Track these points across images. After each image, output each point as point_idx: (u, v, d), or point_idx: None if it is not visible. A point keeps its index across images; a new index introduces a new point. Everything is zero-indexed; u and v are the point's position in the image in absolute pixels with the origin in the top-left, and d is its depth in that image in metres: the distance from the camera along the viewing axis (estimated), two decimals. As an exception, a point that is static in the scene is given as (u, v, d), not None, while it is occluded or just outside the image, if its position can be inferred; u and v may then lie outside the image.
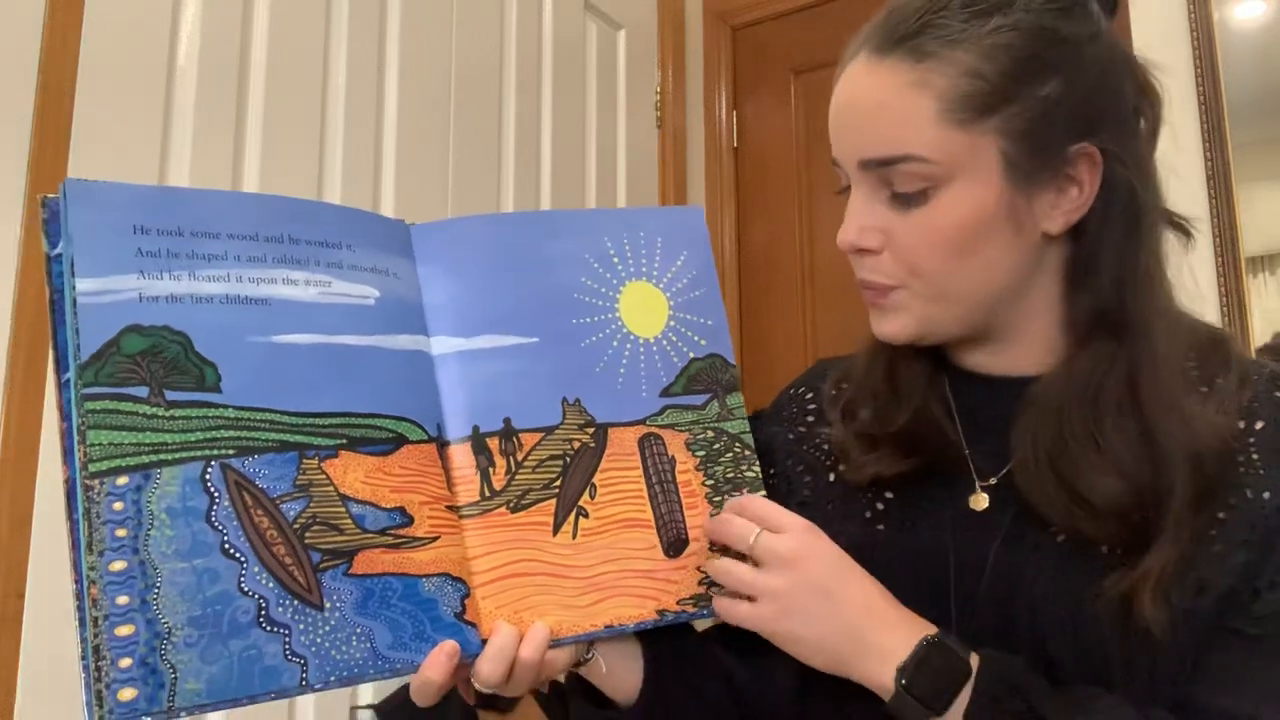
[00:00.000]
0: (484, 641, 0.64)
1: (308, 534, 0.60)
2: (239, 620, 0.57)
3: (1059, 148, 0.66)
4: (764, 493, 0.73)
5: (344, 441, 0.63)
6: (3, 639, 1.11)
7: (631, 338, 0.74)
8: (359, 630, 0.60)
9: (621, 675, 0.72)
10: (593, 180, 2.12)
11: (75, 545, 0.56)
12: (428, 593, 0.63)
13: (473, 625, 0.64)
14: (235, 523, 0.58)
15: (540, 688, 0.69)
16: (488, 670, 0.63)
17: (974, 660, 0.63)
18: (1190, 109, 1.69)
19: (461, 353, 0.69)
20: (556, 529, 0.68)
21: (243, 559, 0.58)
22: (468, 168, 1.79)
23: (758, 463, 0.75)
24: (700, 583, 0.71)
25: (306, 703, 1.40)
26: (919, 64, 0.65)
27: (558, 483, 0.69)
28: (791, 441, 0.82)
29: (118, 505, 0.56)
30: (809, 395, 0.84)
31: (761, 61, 2.36)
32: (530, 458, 0.69)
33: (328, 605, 0.59)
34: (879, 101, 0.66)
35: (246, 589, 0.58)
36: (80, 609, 0.55)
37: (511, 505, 0.68)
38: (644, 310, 0.75)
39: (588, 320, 0.73)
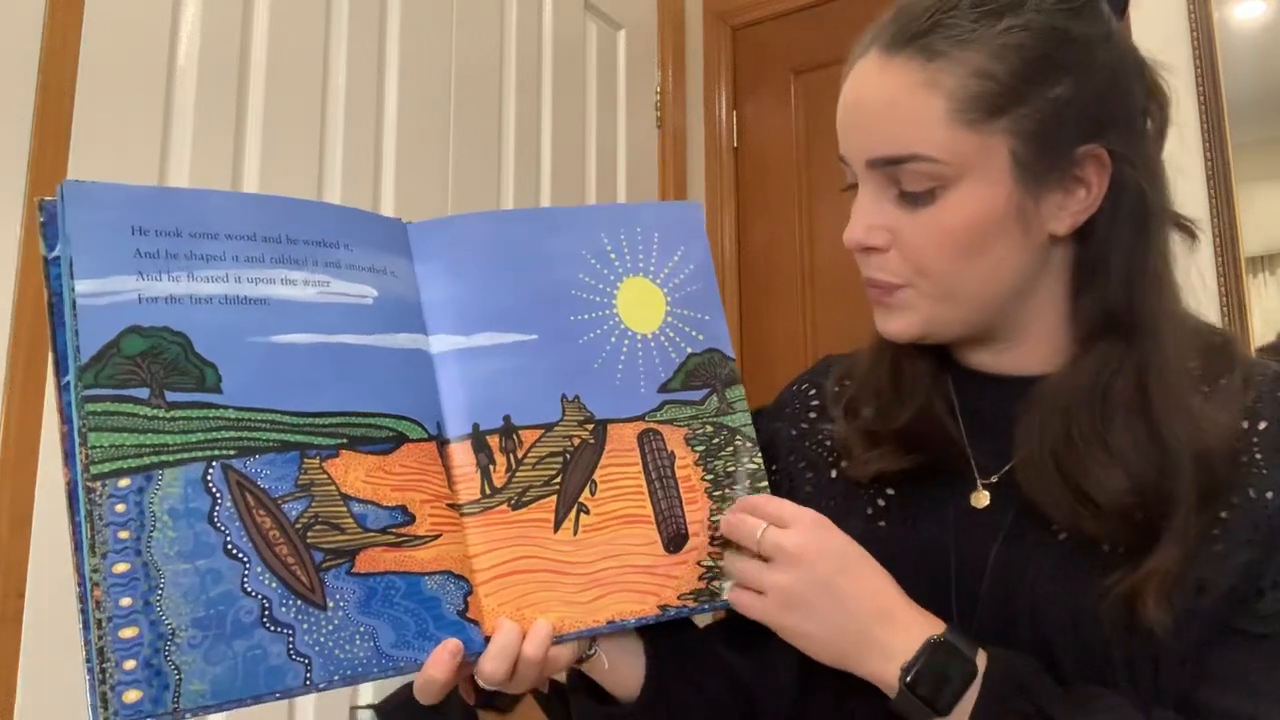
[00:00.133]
0: (487, 639, 0.64)
1: (310, 534, 0.60)
2: (242, 621, 0.57)
3: (1068, 149, 0.66)
4: (766, 483, 0.74)
5: (345, 441, 0.63)
6: (3, 639, 1.11)
7: (629, 334, 0.74)
8: (362, 629, 0.60)
9: (623, 671, 0.72)
10: (593, 180, 2.12)
11: (78, 548, 0.56)
12: (430, 591, 0.63)
13: (475, 623, 0.64)
14: (238, 523, 0.58)
15: (542, 686, 0.69)
16: (491, 668, 0.63)
17: (981, 659, 0.63)
18: (1190, 109, 1.69)
19: (460, 350, 0.69)
20: (557, 526, 0.69)
21: (245, 559, 0.58)
22: (468, 168, 1.79)
23: (760, 454, 0.75)
24: (701, 578, 0.71)
25: (306, 703, 1.40)
26: (929, 63, 0.65)
27: (558, 479, 0.69)
28: (794, 438, 0.82)
29: (120, 507, 0.56)
30: (812, 392, 0.84)
31: (761, 61, 2.36)
32: (530, 455, 0.69)
33: (331, 605, 0.59)
34: (888, 100, 0.66)
35: (250, 589, 0.58)
36: (84, 611, 0.55)
37: (512, 502, 0.68)
38: (641, 306, 0.75)
39: (585, 317, 0.73)
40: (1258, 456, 0.65)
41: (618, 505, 0.70)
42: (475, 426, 0.68)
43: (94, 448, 0.56)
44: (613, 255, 0.75)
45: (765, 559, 0.67)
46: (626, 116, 2.24)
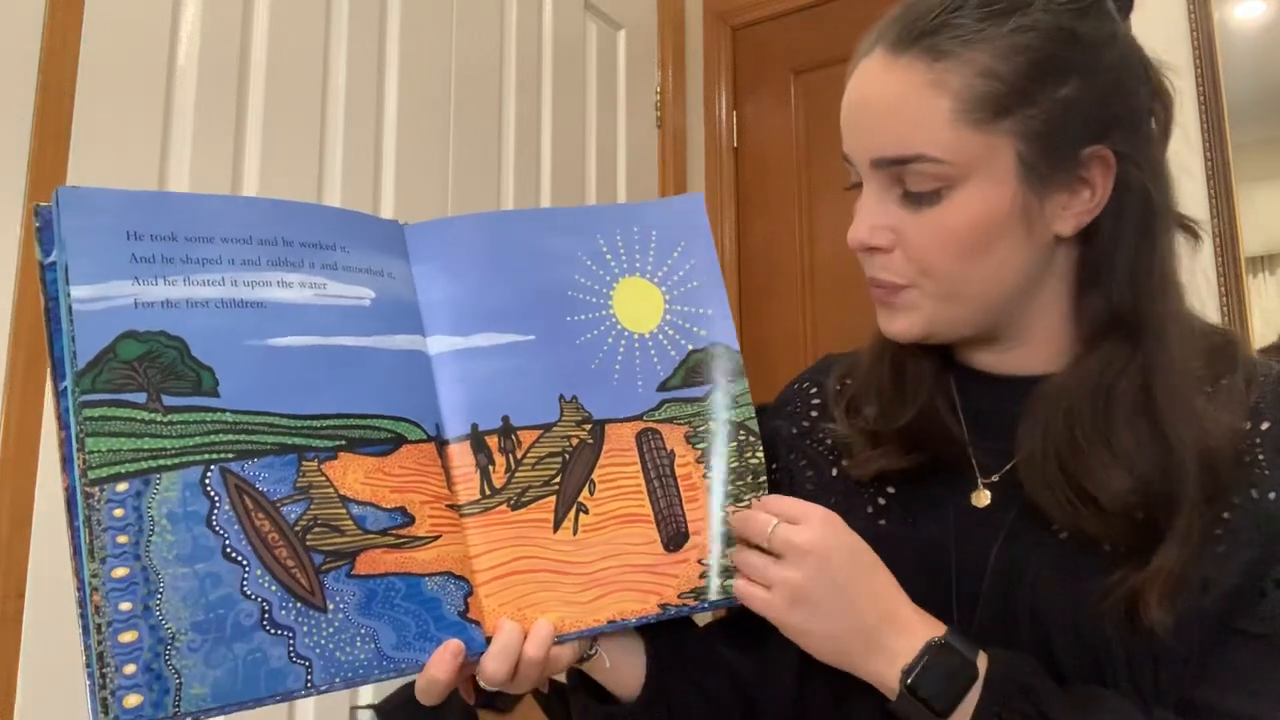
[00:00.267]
0: (488, 639, 0.64)
1: (309, 536, 0.60)
2: (242, 624, 0.57)
3: (1073, 150, 0.66)
4: (765, 478, 0.73)
5: (343, 443, 0.63)
6: (3, 639, 1.11)
7: (626, 334, 0.73)
8: (363, 631, 0.60)
9: (624, 670, 0.72)
10: (593, 180, 2.11)
11: (76, 552, 0.56)
12: (430, 592, 0.63)
13: (476, 623, 0.64)
14: (236, 526, 0.58)
15: (542, 686, 0.69)
16: (493, 668, 0.63)
17: (981, 660, 0.63)
18: (1190, 109, 1.69)
19: (458, 351, 0.69)
20: (557, 526, 0.69)
21: (245, 562, 0.58)
22: (468, 168, 1.79)
23: (761, 449, 0.74)
24: (701, 575, 0.71)
25: (306, 703, 1.40)
26: (935, 63, 0.65)
27: (557, 479, 0.69)
28: (795, 436, 0.82)
29: (118, 511, 0.56)
30: (813, 390, 0.84)
31: (761, 61, 2.36)
32: (529, 455, 0.69)
33: (331, 607, 0.59)
34: (894, 100, 0.66)
35: (249, 592, 0.58)
36: (83, 616, 0.55)
37: (512, 503, 0.68)
38: (638, 306, 0.74)
39: (582, 318, 0.72)
40: (1260, 457, 0.65)
41: (617, 505, 0.70)
42: (474, 427, 0.68)
43: (91, 452, 0.56)
44: (608, 256, 0.74)
45: (773, 555, 0.67)
46: (626, 116, 2.23)
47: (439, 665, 0.61)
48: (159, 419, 0.58)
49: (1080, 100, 0.65)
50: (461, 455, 0.68)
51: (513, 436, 0.69)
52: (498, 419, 0.69)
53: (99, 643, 0.54)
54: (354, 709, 1.40)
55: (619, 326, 0.73)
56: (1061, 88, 0.65)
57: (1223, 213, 1.66)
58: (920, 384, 0.74)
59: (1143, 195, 0.68)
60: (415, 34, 1.71)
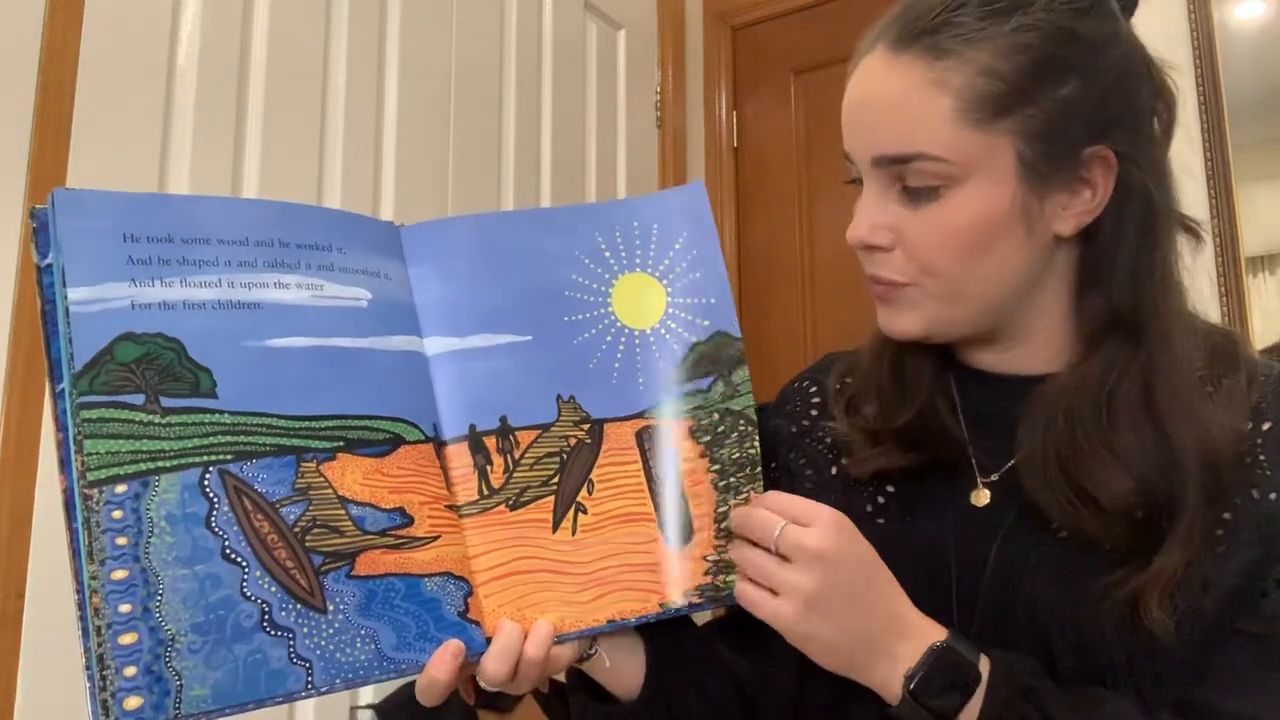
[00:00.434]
0: (488, 640, 0.64)
1: (308, 537, 0.60)
2: (242, 625, 0.57)
3: (1074, 150, 0.66)
4: (760, 469, 0.72)
5: (341, 444, 0.63)
6: (3, 639, 1.11)
7: (626, 331, 0.73)
8: (363, 632, 0.60)
9: (624, 670, 0.72)
10: (593, 180, 2.11)
11: (75, 554, 0.56)
12: (430, 592, 0.63)
13: (476, 624, 0.64)
14: (235, 528, 0.58)
15: (542, 686, 0.69)
16: (494, 668, 0.63)
17: (984, 664, 0.63)
18: (1190, 109, 1.69)
19: (455, 352, 0.69)
20: (556, 526, 0.68)
21: (244, 564, 0.58)
22: (468, 168, 1.79)
23: (758, 438, 0.72)
24: (705, 573, 0.69)
25: (306, 704, 1.41)
26: (937, 61, 0.65)
27: (555, 480, 0.69)
28: (795, 435, 0.82)
29: (117, 513, 0.56)
30: (813, 389, 0.84)
31: (761, 61, 2.36)
32: (527, 455, 0.69)
33: (331, 608, 0.59)
34: (895, 98, 0.66)
35: (249, 594, 0.58)
36: (83, 618, 0.55)
37: (510, 503, 0.68)
38: (639, 302, 0.73)
39: (580, 317, 0.72)
40: (1261, 458, 0.65)
41: (616, 504, 0.70)
42: (472, 428, 0.68)
43: (90, 454, 0.56)
44: (607, 254, 0.74)
45: (778, 556, 0.64)
46: (626, 116, 2.23)
47: (439, 665, 0.61)
48: (157, 420, 0.58)
49: (1081, 100, 0.65)
50: (459, 456, 0.67)
51: (510, 437, 0.69)
52: (495, 419, 0.69)
53: (99, 645, 0.53)
54: (354, 709, 1.41)
55: (618, 325, 0.73)
56: (1062, 87, 0.65)
57: (1223, 213, 1.66)
58: (920, 383, 0.74)
59: (1144, 195, 0.68)
60: (415, 34, 1.71)
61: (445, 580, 0.64)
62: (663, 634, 0.73)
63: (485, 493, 0.67)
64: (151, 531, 0.56)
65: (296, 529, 0.60)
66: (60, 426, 0.58)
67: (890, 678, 0.63)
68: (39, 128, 1.19)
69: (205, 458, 0.59)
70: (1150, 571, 0.62)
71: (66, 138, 1.22)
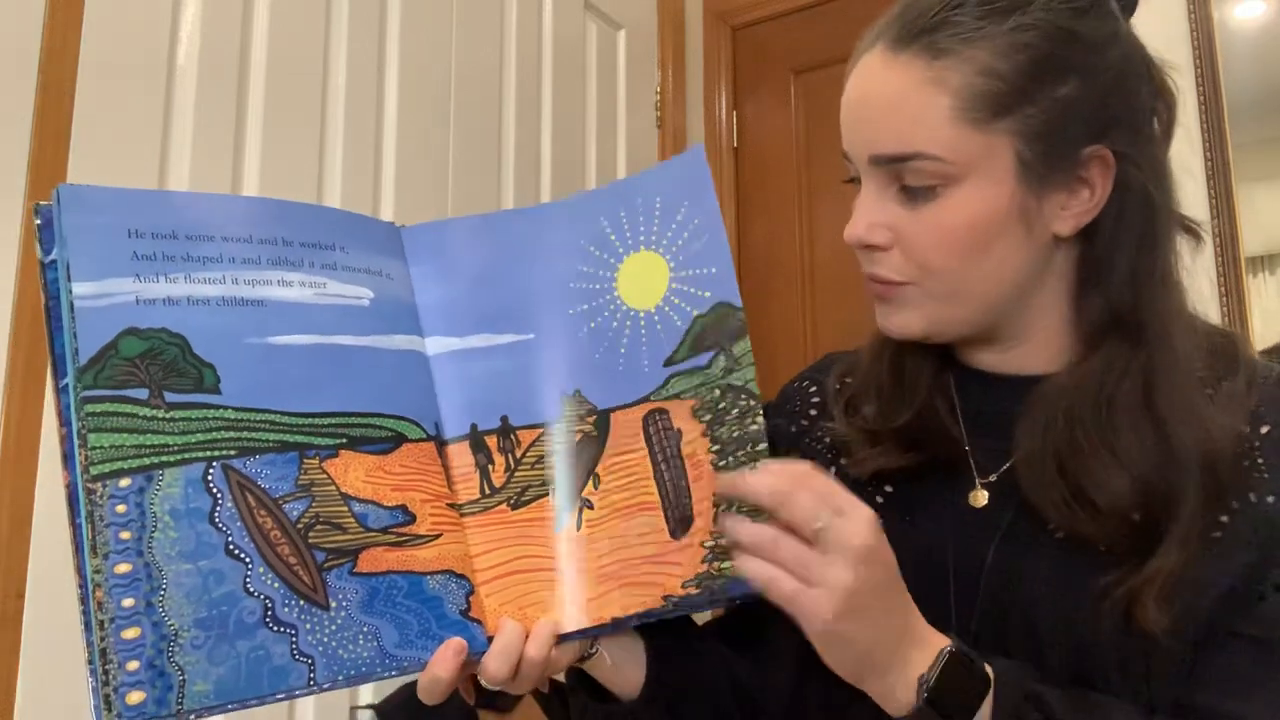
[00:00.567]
0: (489, 639, 0.64)
1: (311, 534, 0.60)
2: (245, 621, 0.57)
3: (1073, 150, 0.66)
4: (765, 445, 0.65)
5: (344, 441, 0.63)
6: (3, 639, 1.11)
7: (632, 314, 0.70)
8: (365, 629, 0.60)
9: (624, 669, 0.71)
10: (593, 181, 2.12)
11: (79, 549, 0.56)
12: (432, 590, 0.63)
13: (478, 622, 0.64)
14: (239, 523, 0.58)
15: (542, 686, 0.69)
16: (494, 668, 0.63)
17: (989, 669, 0.62)
18: (1190, 109, 1.69)
19: (455, 352, 0.69)
20: (558, 523, 0.68)
21: (247, 559, 0.58)
22: (468, 168, 1.79)
23: (761, 414, 0.67)
24: (704, 560, 0.65)
25: (306, 702, 1.40)
26: (935, 60, 0.65)
27: (557, 478, 0.69)
28: (794, 434, 0.82)
29: (121, 508, 0.56)
30: (813, 389, 0.84)
31: (761, 61, 2.36)
32: (529, 454, 0.69)
33: (333, 604, 0.59)
34: (893, 97, 0.66)
35: (252, 589, 0.57)
36: (85, 613, 0.55)
37: (512, 502, 0.68)
38: (643, 281, 0.71)
39: (585, 308, 0.71)
40: (1259, 461, 0.65)
41: (623, 496, 0.68)
42: (473, 427, 0.68)
43: (94, 448, 0.56)
44: (613, 237, 0.72)
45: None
46: (626, 116, 2.24)
47: (442, 663, 0.61)
48: (161, 415, 0.58)
49: (1080, 100, 0.65)
50: (460, 455, 0.67)
51: (511, 436, 0.69)
52: (496, 419, 0.69)
53: (101, 639, 0.53)
54: (354, 709, 1.40)
55: (624, 308, 0.71)
56: (1061, 87, 0.65)
57: (1223, 213, 1.67)
58: (919, 383, 0.74)
59: (1143, 195, 0.68)
60: (415, 34, 1.71)
61: (447, 579, 0.64)
62: (663, 633, 0.73)
63: (487, 492, 0.67)
64: (155, 526, 0.56)
65: (299, 525, 0.60)
66: (64, 421, 0.58)
67: (899, 683, 0.60)
68: (39, 128, 1.20)
69: (209, 453, 0.59)
70: (1147, 572, 0.62)
71: (66, 138, 1.22)
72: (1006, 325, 0.72)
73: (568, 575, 0.67)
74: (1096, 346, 0.68)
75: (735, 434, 0.66)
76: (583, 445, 0.69)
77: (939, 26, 0.65)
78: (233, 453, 0.59)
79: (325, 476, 0.62)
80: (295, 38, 1.51)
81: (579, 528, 0.68)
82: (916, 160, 0.65)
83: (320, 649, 0.58)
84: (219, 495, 0.58)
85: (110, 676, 0.53)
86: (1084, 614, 0.64)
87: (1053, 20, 0.65)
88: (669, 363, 0.69)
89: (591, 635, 0.68)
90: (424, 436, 0.66)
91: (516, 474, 0.68)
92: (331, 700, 1.41)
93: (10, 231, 1.17)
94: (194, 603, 0.56)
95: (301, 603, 0.58)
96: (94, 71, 1.25)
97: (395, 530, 0.63)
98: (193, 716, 0.54)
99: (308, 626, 0.58)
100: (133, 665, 0.54)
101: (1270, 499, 0.64)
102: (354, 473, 0.63)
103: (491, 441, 0.68)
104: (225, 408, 0.60)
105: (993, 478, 0.71)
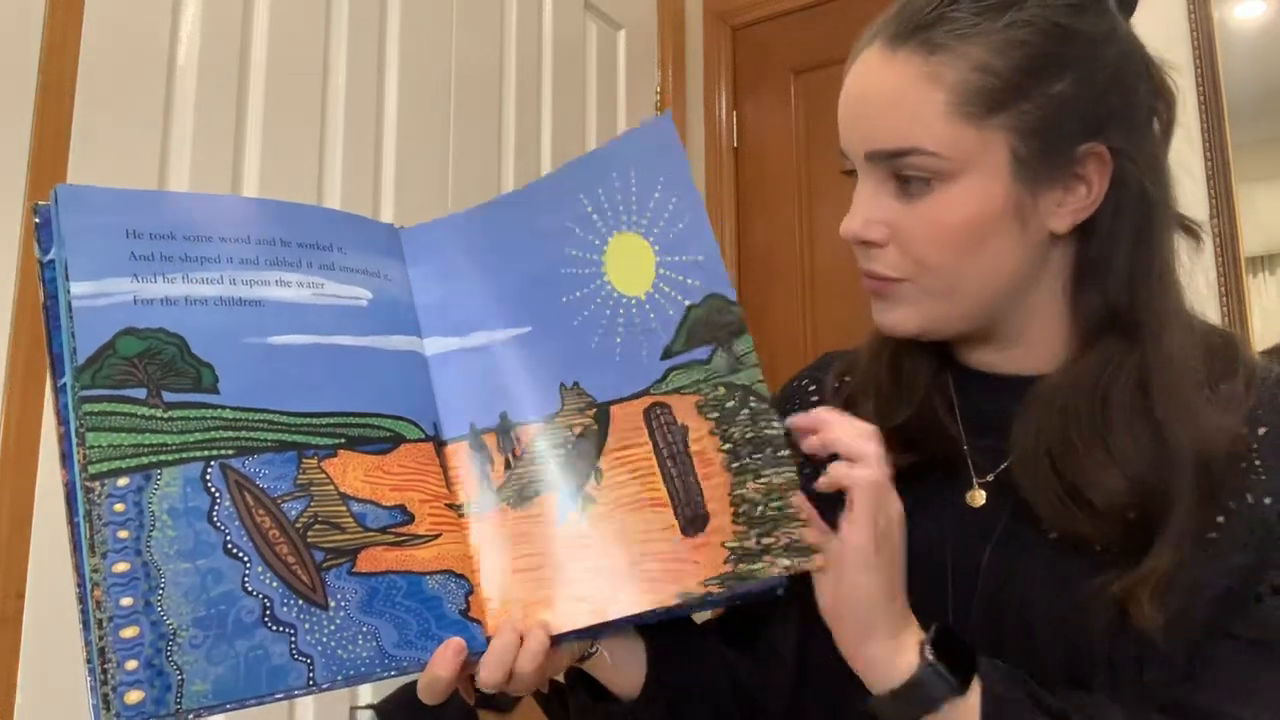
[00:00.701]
0: (489, 638, 0.64)
1: (310, 533, 0.60)
2: (244, 620, 0.57)
3: (1068, 147, 0.66)
4: (788, 452, 0.66)
5: (342, 440, 0.63)
6: (3, 639, 1.11)
7: (624, 300, 0.69)
8: (365, 629, 0.60)
9: (624, 668, 0.71)
10: (593, 180, 2.11)
11: (77, 548, 0.56)
12: (432, 590, 0.63)
13: (478, 622, 0.64)
14: (237, 523, 0.58)
15: (542, 686, 0.69)
16: (487, 675, 0.62)
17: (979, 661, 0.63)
18: (1190, 109, 1.69)
19: (454, 352, 0.69)
20: (560, 520, 0.67)
21: (246, 559, 0.58)
22: (468, 168, 1.79)
23: (776, 417, 0.65)
24: (726, 560, 0.64)
25: (306, 702, 1.40)
26: (931, 56, 0.65)
27: (558, 474, 0.69)
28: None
29: (119, 507, 0.56)
30: (812, 388, 0.84)
31: (761, 61, 2.36)
32: (529, 451, 0.68)
33: (332, 604, 0.59)
34: (889, 93, 0.66)
35: (251, 589, 0.57)
36: (84, 612, 0.55)
37: (511, 501, 0.67)
38: (631, 266, 0.69)
39: (578, 294, 0.69)
40: (1256, 462, 0.65)
41: (627, 491, 0.67)
42: (472, 426, 0.68)
43: (92, 447, 0.56)
44: (594, 215, 0.70)
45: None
46: (626, 116, 2.24)
47: (441, 663, 0.61)
48: (159, 415, 0.58)
49: (1076, 96, 0.65)
50: (459, 455, 0.67)
51: (511, 434, 0.68)
52: (495, 417, 0.68)
53: (100, 638, 0.53)
54: (354, 709, 1.40)
55: (616, 294, 0.69)
56: (1056, 83, 0.65)
57: (1223, 213, 1.66)
58: (917, 382, 0.74)
59: (1140, 193, 0.67)
60: (415, 34, 1.71)
61: (446, 578, 0.64)
62: (663, 633, 0.73)
63: (486, 491, 0.67)
64: (153, 525, 0.56)
65: (298, 525, 0.60)
66: (62, 420, 0.58)
67: (900, 644, 0.62)
68: (39, 128, 1.20)
69: (207, 452, 0.59)
70: (1142, 570, 0.61)
71: (66, 137, 1.22)
72: (1004, 323, 0.72)
73: (570, 572, 0.66)
74: (1093, 345, 0.68)
75: (748, 435, 0.65)
76: (583, 439, 0.68)
77: (935, 23, 0.65)
78: (231, 452, 0.59)
79: (324, 476, 0.62)
80: (295, 38, 1.51)
81: (581, 524, 0.67)
82: (912, 156, 0.65)
83: (319, 649, 0.58)
84: (217, 494, 0.58)
85: (109, 675, 0.53)
86: (1077, 614, 0.64)
87: (1049, 17, 0.65)
88: (666, 355, 0.67)
89: (591, 635, 0.68)
90: (422, 437, 0.66)
91: (516, 472, 0.68)
92: (331, 700, 1.41)
93: (10, 231, 1.17)
94: (192, 602, 0.56)
95: (300, 602, 0.58)
96: (94, 71, 1.26)
97: (394, 530, 0.63)
98: (191, 716, 0.54)
99: (306, 626, 0.58)
100: (131, 664, 0.53)
101: (1267, 500, 0.64)
102: (352, 472, 0.63)
103: (490, 440, 0.68)
104: (223, 407, 0.60)
105: (990, 477, 0.71)
